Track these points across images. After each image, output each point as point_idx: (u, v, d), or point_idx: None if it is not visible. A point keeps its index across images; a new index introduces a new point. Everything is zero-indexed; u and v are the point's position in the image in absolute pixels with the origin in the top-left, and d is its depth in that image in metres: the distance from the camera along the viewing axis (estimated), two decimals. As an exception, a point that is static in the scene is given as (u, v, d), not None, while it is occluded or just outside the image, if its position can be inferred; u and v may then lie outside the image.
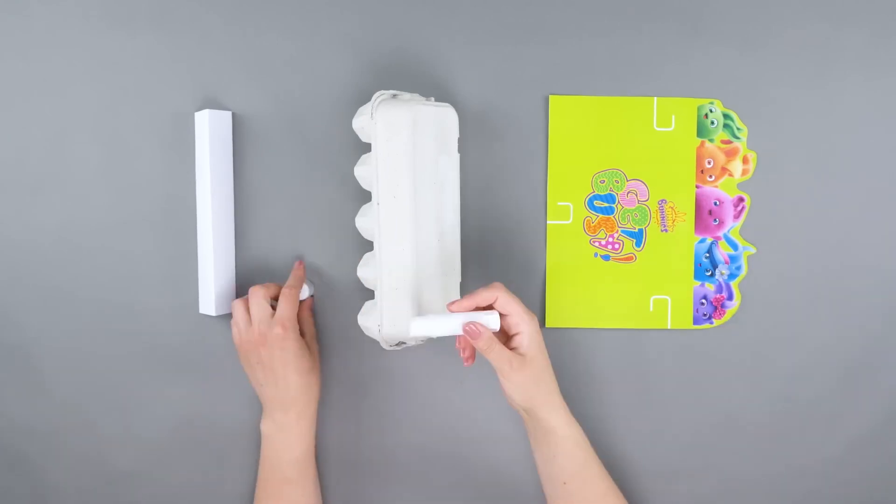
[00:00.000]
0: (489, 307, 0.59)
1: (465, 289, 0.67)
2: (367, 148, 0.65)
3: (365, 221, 0.63)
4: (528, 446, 0.67)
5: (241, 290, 0.69)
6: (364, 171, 0.63)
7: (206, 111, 0.65)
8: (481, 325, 0.57)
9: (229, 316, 0.69)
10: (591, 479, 0.61)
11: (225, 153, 0.67)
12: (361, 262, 0.64)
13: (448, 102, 0.65)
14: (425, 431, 0.70)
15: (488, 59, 0.68)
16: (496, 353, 0.57)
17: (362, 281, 0.64)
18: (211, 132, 0.65)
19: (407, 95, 0.62)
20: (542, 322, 0.69)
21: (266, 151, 0.68)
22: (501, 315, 0.58)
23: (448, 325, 0.58)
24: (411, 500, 0.71)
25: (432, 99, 0.64)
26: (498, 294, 0.58)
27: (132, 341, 0.69)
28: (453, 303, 0.58)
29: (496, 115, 0.68)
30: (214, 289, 0.66)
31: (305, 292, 0.65)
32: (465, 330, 0.57)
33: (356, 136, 0.66)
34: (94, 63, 0.67)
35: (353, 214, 0.67)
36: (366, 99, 0.67)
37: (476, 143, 0.68)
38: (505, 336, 0.60)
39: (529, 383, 0.58)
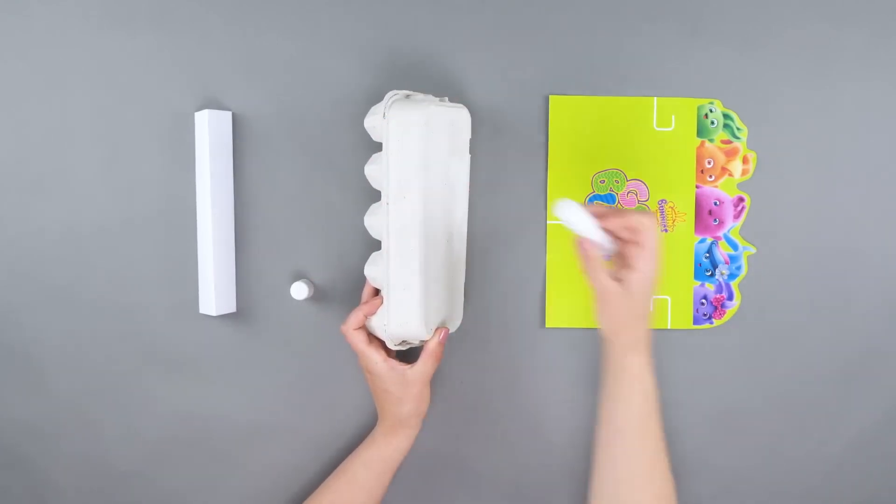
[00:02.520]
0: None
1: (468, 288, 0.67)
2: (370, 147, 0.65)
3: (374, 220, 0.63)
4: (529, 446, 0.67)
5: (240, 290, 0.69)
6: (374, 171, 0.62)
7: (206, 111, 0.65)
8: (592, 247, 0.56)
9: (229, 316, 0.69)
10: (645, 435, 0.58)
11: (225, 153, 0.67)
12: (369, 261, 0.64)
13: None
14: (426, 431, 0.70)
15: (488, 59, 0.68)
16: (597, 280, 0.56)
17: (369, 279, 0.64)
18: (211, 132, 0.65)
19: (420, 96, 0.62)
20: (542, 322, 0.69)
21: (267, 152, 0.68)
22: (632, 243, 0.56)
23: (585, 227, 0.56)
24: (412, 499, 0.71)
25: (446, 99, 0.63)
26: (650, 228, 0.55)
27: (132, 341, 0.69)
28: (604, 212, 0.56)
29: (496, 115, 0.68)
30: (214, 289, 0.66)
31: (305, 292, 0.65)
32: (578, 244, 0.57)
33: (357, 136, 0.66)
34: (94, 63, 0.67)
35: (354, 214, 0.67)
36: (366, 99, 0.67)
37: (476, 143, 0.68)
38: (623, 261, 0.58)
39: (619, 319, 0.57)
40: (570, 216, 0.56)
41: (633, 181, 0.69)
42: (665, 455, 0.59)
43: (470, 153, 0.65)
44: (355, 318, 0.63)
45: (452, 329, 0.66)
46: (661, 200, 0.69)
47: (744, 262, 0.69)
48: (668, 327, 0.69)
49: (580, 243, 0.57)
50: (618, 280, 0.56)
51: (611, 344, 0.58)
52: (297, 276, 0.69)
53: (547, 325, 0.69)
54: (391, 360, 0.63)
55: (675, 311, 0.69)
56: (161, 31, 0.67)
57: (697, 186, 0.69)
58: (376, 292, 0.65)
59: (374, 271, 0.63)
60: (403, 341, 0.63)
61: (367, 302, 0.63)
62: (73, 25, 0.67)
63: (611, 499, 0.58)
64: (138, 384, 0.70)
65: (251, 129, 0.68)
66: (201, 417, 0.70)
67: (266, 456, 0.70)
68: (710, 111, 0.68)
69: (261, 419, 0.70)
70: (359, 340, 0.63)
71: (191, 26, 0.67)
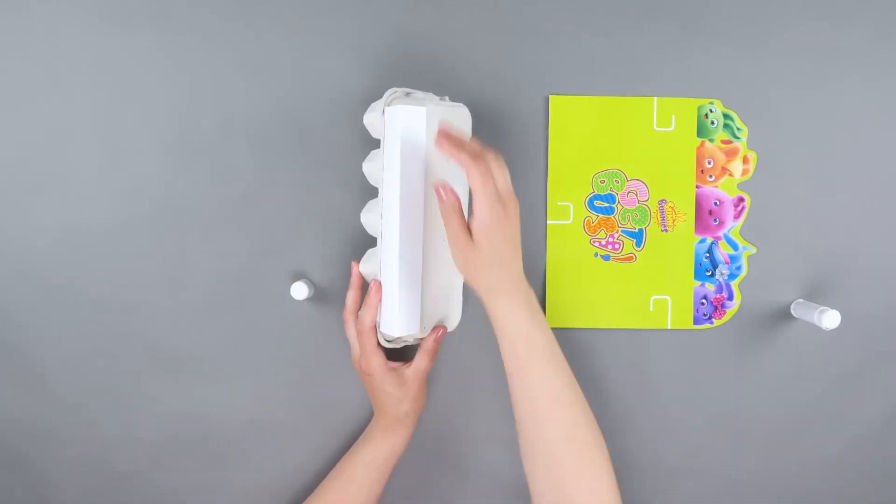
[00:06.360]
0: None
1: (467, 290, 0.67)
2: (370, 146, 0.65)
3: (370, 217, 0.63)
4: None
5: (241, 290, 0.69)
6: (372, 167, 0.62)
7: (400, 107, 0.59)
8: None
9: (229, 316, 0.69)
10: (535, 372, 0.57)
11: (418, 154, 0.60)
12: (364, 258, 0.64)
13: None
14: (426, 431, 0.70)
15: (488, 59, 0.68)
16: (451, 226, 0.56)
17: (364, 276, 0.64)
18: (403, 128, 0.59)
19: (420, 94, 0.62)
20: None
21: (267, 151, 0.68)
22: (473, 192, 0.55)
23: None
24: (412, 499, 0.71)
25: (446, 98, 0.63)
26: (471, 170, 0.54)
27: (132, 341, 0.69)
28: (444, 136, 0.55)
29: (496, 115, 0.68)
30: (407, 308, 0.62)
31: (305, 292, 0.65)
32: (434, 188, 0.57)
33: (358, 136, 0.66)
34: (94, 63, 0.67)
35: (354, 214, 0.67)
36: (366, 98, 0.67)
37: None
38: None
39: (473, 266, 0.56)
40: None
41: (633, 181, 0.69)
42: (573, 386, 0.58)
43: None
44: (371, 316, 0.62)
45: (450, 328, 0.66)
46: (661, 200, 0.69)
47: (744, 262, 0.69)
48: (668, 327, 0.69)
49: (437, 188, 0.57)
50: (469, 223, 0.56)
51: (476, 291, 0.58)
52: (297, 276, 0.69)
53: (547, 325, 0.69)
54: (390, 360, 0.63)
55: (675, 311, 0.69)
56: (161, 31, 0.67)
57: (697, 186, 0.69)
58: (362, 285, 0.65)
59: (369, 268, 0.63)
60: (397, 338, 0.63)
61: (370, 296, 0.62)
62: (73, 25, 0.67)
63: (529, 433, 0.58)
64: (138, 384, 0.70)
65: (251, 128, 0.68)
66: (201, 417, 0.70)
67: (266, 456, 0.70)
68: (710, 111, 0.68)
69: (261, 419, 0.70)
70: (371, 340, 0.62)
71: (190, 26, 0.67)
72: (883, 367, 0.70)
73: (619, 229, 0.69)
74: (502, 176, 0.57)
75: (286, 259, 0.69)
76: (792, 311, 0.68)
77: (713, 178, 0.69)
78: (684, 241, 0.69)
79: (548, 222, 0.69)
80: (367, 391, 0.66)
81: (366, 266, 0.63)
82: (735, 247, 0.69)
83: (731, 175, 0.69)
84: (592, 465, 0.57)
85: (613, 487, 0.57)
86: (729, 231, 0.69)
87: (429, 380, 0.69)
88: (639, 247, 0.69)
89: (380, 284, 0.61)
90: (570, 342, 0.70)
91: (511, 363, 0.58)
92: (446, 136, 0.55)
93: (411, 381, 0.64)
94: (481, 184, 0.54)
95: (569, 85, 0.68)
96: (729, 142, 0.68)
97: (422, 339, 0.64)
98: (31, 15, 0.67)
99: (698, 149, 0.68)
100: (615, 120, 0.68)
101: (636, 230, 0.69)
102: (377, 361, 0.62)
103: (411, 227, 0.60)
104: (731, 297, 0.69)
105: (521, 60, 0.68)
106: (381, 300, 0.61)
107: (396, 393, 0.63)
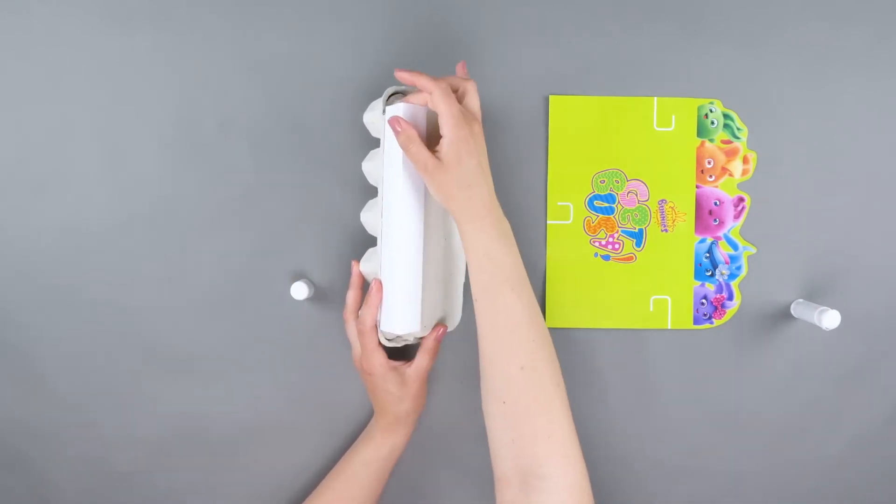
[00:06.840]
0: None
1: (467, 290, 0.67)
2: (370, 146, 0.65)
3: (370, 216, 0.63)
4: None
5: (242, 290, 0.69)
6: (371, 167, 0.62)
7: (401, 105, 0.59)
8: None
9: (229, 316, 0.69)
10: (502, 295, 0.56)
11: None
12: (364, 258, 0.64)
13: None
14: (427, 430, 0.70)
15: (488, 59, 0.68)
16: (413, 153, 0.56)
17: (364, 276, 0.64)
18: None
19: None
20: (542, 322, 0.69)
21: (267, 152, 0.68)
22: (439, 113, 0.56)
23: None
24: (412, 497, 0.71)
25: None
26: (434, 91, 0.56)
27: (132, 341, 0.69)
28: (401, 71, 0.58)
29: (496, 115, 0.68)
30: (407, 307, 0.61)
31: (305, 292, 0.65)
32: (389, 123, 0.57)
33: (357, 136, 0.66)
34: (93, 63, 0.67)
35: (353, 214, 0.67)
36: (366, 98, 0.67)
37: (476, 143, 0.67)
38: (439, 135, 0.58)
39: (446, 188, 0.56)
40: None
41: (633, 181, 0.69)
42: (536, 318, 0.57)
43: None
44: (371, 315, 0.62)
45: (451, 328, 0.66)
46: (661, 200, 0.69)
47: (744, 262, 0.69)
48: (668, 327, 0.69)
49: (392, 122, 0.57)
50: (436, 151, 0.56)
51: (451, 215, 0.58)
52: (297, 276, 0.69)
53: (547, 325, 0.69)
54: (391, 359, 0.64)
55: (676, 311, 0.69)
56: (160, 31, 0.67)
57: (697, 186, 0.69)
58: (362, 284, 0.65)
59: (369, 267, 0.63)
60: (398, 337, 0.63)
61: (371, 296, 0.62)
62: (73, 25, 0.67)
63: (486, 365, 0.57)
64: (138, 384, 0.70)
65: (251, 128, 0.68)
66: (201, 417, 0.70)
67: (266, 456, 0.70)
68: (710, 111, 0.68)
69: (261, 419, 0.70)
70: (371, 339, 0.62)
71: (190, 26, 0.67)
72: (883, 367, 0.70)
73: (619, 229, 0.69)
74: (462, 97, 0.58)
75: (286, 259, 0.69)
76: (792, 311, 0.68)
77: (713, 178, 0.69)
78: (684, 241, 0.69)
79: (548, 222, 0.69)
80: (368, 390, 0.66)
81: (366, 265, 0.63)
82: (735, 247, 0.69)
83: (731, 175, 0.69)
84: (547, 401, 0.55)
85: (569, 427, 0.55)
86: (729, 231, 0.69)
87: (429, 379, 0.69)
88: (639, 247, 0.69)
89: (380, 283, 0.61)
90: (570, 342, 0.70)
91: (477, 287, 0.57)
92: (404, 69, 0.58)
93: (412, 380, 0.64)
94: (444, 102, 0.55)
95: (569, 85, 0.68)
96: (729, 142, 0.68)
97: (422, 338, 0.64)
98: (31, 15, 0.67)
99: (698, 149, 0.68)
100: (615, 120, 0.68)
101: (636, 230, 0.69)
102: (378, 360, 0.62)
103: (411, 225, 0.60)
104: (731, 297, 0.69)
105: (521, 60, 0.68)
106: (381, 299, 0.61)
107: (397, 392, 0.63)
